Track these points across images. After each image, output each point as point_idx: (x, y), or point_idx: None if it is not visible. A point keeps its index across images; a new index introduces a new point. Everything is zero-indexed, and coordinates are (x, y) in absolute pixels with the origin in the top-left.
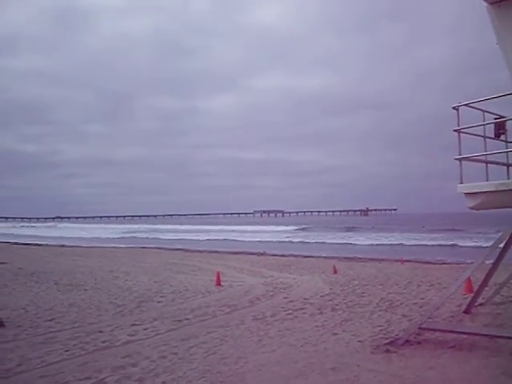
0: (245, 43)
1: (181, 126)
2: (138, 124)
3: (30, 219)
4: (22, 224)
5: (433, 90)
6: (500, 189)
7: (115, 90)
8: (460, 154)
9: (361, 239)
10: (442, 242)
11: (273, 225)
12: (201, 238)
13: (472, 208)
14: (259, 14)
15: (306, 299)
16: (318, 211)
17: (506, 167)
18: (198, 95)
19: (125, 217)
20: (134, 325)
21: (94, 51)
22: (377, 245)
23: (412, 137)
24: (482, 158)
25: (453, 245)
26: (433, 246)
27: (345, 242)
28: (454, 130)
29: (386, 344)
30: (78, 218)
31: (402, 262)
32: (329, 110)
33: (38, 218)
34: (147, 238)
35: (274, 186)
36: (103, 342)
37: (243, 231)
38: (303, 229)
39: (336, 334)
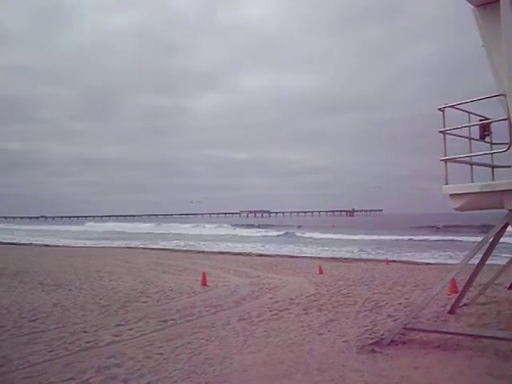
0: (230, 41)
1: (167, 124)
2: (123, 122)
3: (14, 218)
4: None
5: (419, 89)
6: (485, 190)
7: (101, 87)
8: (445, 155)
9: None
10: None
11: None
12: None
13: (457, 209)
14: (244, 12)
15: (291, 299)
16: (305, 211)
17: (490, 168)
18: (184, 94)
19: (110, 216)
20: (118, 325)
21: (79, 48)
22: None
23: (399, 137)
24: (467, 159)
25: None
26: None
27: None
28: (440, 131)
29: (372, 344)
30: (62, 217)
31: (388, 262)
32: (315, 110)
33: (22, 217)
34: None
35: (261, 185)
36: (87, 342)
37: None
38: None
39: (321, 334)
